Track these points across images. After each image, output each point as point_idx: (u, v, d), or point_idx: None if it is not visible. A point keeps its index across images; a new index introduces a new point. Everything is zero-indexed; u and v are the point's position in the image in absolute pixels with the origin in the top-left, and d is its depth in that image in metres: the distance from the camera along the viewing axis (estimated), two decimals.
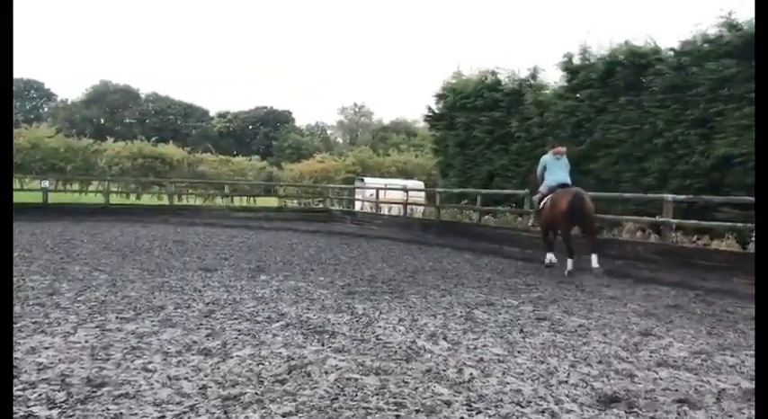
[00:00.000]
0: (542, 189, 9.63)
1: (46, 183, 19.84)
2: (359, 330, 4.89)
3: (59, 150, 32.79)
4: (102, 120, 73.60)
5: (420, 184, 30.13)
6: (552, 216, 9.08)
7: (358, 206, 22.49)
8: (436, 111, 20.30)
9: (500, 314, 5.82)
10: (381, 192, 21.14)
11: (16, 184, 22.18)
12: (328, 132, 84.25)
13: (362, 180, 30.09)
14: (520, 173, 16.30)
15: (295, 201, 26.29)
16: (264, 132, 75.15)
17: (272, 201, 25.67)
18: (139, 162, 32.61)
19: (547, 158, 9.63)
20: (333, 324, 5.08)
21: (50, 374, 3.52)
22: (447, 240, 13.72)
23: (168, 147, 37.45)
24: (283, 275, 7.80)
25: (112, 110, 74.36)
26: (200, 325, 4.86)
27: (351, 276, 7.97)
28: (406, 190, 19.65)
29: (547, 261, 9.55)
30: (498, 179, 17.49)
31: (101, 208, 18.33)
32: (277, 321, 5.10)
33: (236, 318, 5.14)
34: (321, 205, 23.13)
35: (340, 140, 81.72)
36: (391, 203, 20.82)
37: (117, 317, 5.01)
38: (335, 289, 6.84)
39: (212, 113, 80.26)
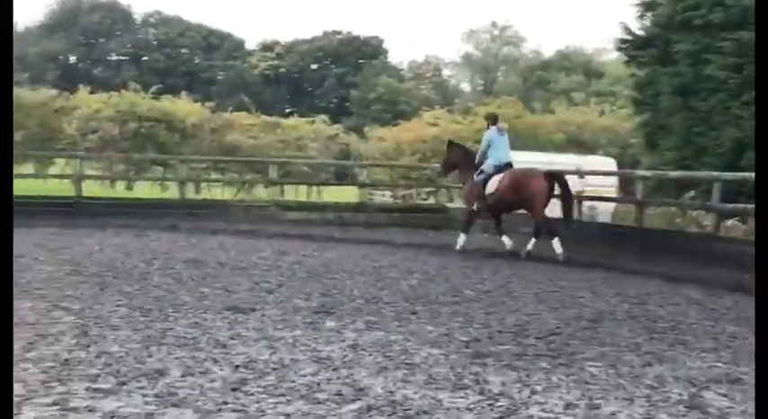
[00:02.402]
0: (487, 168, 13.87)
1: None
2: None
3: None
4: (74, 58, 77.00)
5: (609, 163, 29.63)
6: (519, 197, 13.64)
7: None
8: (638, 33, 19.94)
9: (753, 399, 5.60)
10: None
11: None
12: (446, 73, 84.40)
13: None
14: None
15: (388, 194, 26.56)
16: (338, 75, 76.20)
17: (348, 193, 26.02)
18: (132, 127, 33.81)
19: (492, 134, 13.85)
20: (448, 409, 5.07)
21: None
22: (656, 264, 13.52)
23: (179, 101, 38.55)
24: (365, 321, 7.87)
25: (89, 40, 77.70)
26: (224, 404, 4.97)
27: (481, 325, 7.95)
28: (581, 174, 19.42)
29: (460, 242, 14.47)
30: (754, 154, 16.87)
31: (68, 203, 19.12)
32: (352, 401, 5.14)
33: (282, 394, 5.22)
34: (432, 200, 23.21)
35: (467, 87, 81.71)
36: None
37: (87, 389, 5.20)
38: (453, 348, 6.84)
39: (251, 45, 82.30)
